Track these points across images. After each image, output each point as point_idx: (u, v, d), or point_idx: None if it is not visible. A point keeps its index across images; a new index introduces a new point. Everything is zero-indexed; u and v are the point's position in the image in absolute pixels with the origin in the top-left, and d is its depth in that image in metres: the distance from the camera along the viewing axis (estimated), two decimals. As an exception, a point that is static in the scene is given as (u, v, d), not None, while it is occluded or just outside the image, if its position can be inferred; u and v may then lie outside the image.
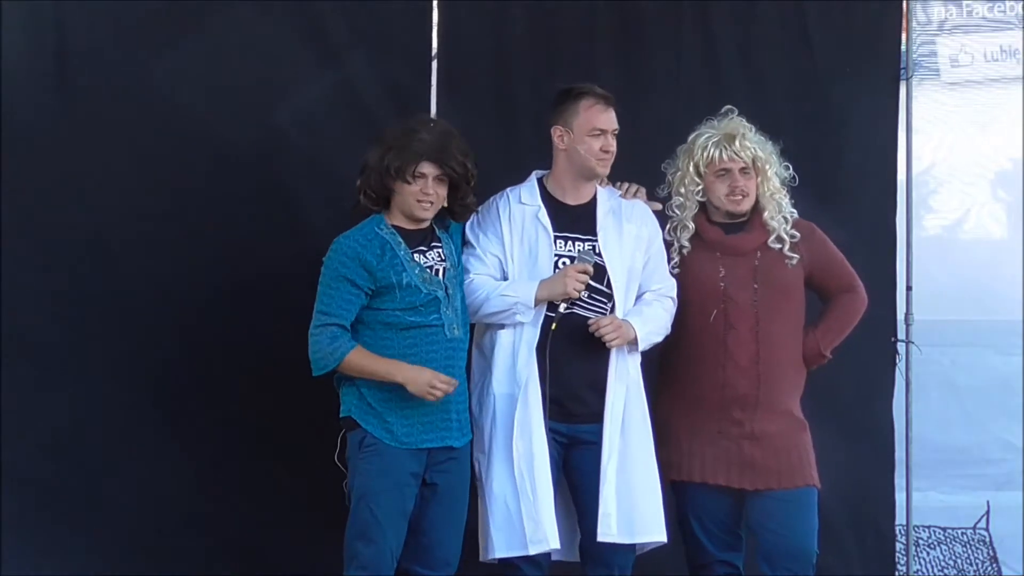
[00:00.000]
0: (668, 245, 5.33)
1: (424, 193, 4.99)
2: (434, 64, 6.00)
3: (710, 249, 5.33)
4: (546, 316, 5.09)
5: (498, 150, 5.65)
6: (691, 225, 5.33)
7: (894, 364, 6.13)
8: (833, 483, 5.58)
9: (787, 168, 5.37)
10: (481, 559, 5.17)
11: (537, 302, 5.07)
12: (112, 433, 5.68)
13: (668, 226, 5.35)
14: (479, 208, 5.21)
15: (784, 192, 5.35)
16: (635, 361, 5.21)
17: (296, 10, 5.83)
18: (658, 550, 5.24)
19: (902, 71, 6.22)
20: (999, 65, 7.71)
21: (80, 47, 5.68)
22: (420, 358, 4.97)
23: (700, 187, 5.32)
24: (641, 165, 5.48)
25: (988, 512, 7.06)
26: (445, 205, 5.08)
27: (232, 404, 5.74)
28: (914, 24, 6.39)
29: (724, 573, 5.33)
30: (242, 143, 5.76)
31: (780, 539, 5.24)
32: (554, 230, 5.16)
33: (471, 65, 6.03)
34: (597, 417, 5.11)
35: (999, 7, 7.79)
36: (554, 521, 5.06)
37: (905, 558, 6.30)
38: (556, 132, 5.19)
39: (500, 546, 5.08)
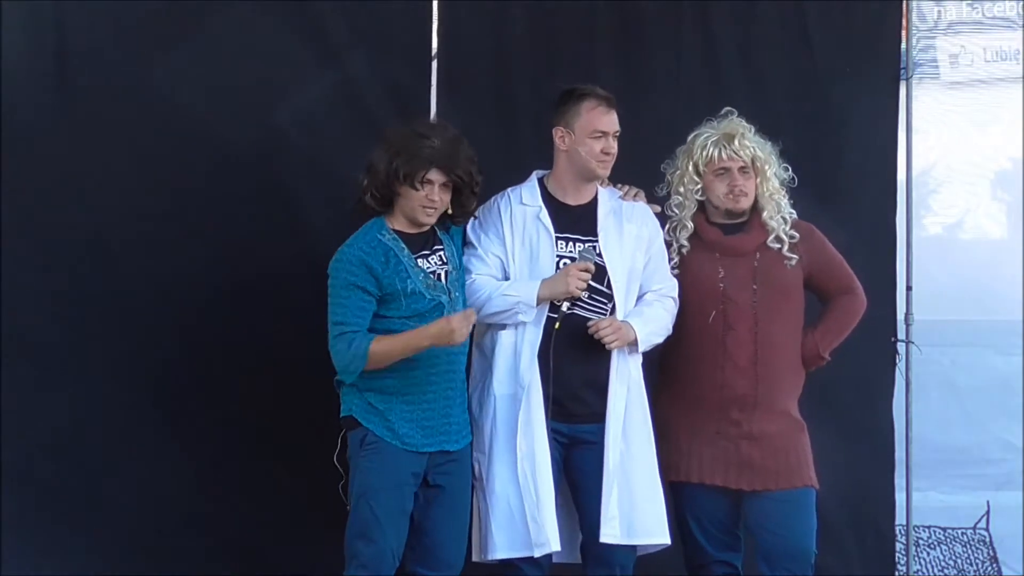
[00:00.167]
0: (667, 245, 5.33)
1: (430, 200, 4.98)
2: (434, 64, 6.00)
3: (709, 250, 5.33)
4: (548, 317, 5.10)
5: (498, 150, 5.65)
6: (690, 225, 5.33)
7: (894, 364, 6.13)
8: (833, 483, 5.59)
9: (786, 169, 5.37)
10: (475, 559, 5.16)
11: (539, 301, 5.07)
12: (112, 433, 5.68)
13: (667, 226, 5.36)
14: (480, 208, 5.21)
15: (783, 193, 5.35)
16: (636, 361, 5.21)
17: (296, 10, 5.82)
18: (658, 550, 5.24)
19: (902, 71, 6.22)
20: (999, 65, 7.71)
21: (80, 47, 5.68)
22: (422, 363, 4.97)
23: (699, 186, 5.32)
24: (641, 165, 5.48)
25: (988, 512, 7.06)
26: (448, 210, 5.08)
27: (232, 404, 5.74)
28: (914, 24, 6.39)
29: (723, 573, 5.33)
30: (242, 143, 5.76)
31: (778, 539, 5.25)
32: (555, 231, 5.16)
33: (471, 65, 6.03)
34: (598, 417, 5.11)
35: (999, 7, 7.79)
36: (555, 524, 5.06)
37: (905, 558, 6.30)
38: (557, 133, 5.19)
39: (502, 547, 5.08)
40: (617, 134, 5.16)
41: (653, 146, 5.58)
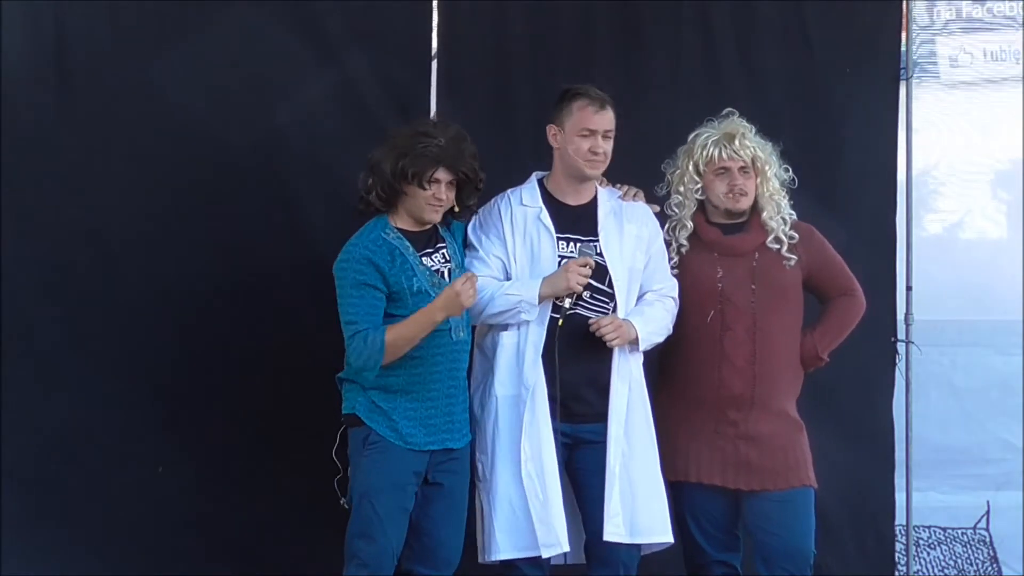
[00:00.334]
0: (666, 245, 5.34)
1: (436, 198, 4.99)
2: (434, 64, 6.00)
3: (708, 249, 5.33)
4: (551, 317, 5.09)
5: (498, 150, 5.65)
6: (689, 224, 5.34)
7: (894, 364, 6.13)
8: (833, 483, 5.60)
9: (787, 170, 5.37)
10: (480, 561, 5.16)
11: (541, 299, 5.07)
12: (112, 433, 5.68)
13: (667, 225, 5.36)
14: (480, 209, 5.21)
15: (783, 193, 5.35)
16: (637, 361, 5.21)
17: (296, 10, 5.83)
18: (660, 550, 5.25)
19: (902, 71, 6.22)
20: (999, 65, 7.70)
21: (80, 47, 5.68)
22: (426, 361, 4.98)
23: (699, 185, 5.32)
24: (641, 165, 5.48)
25: (988, 512, 7.05)
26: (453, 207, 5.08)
27: (232, 404, 5.74)
28: (914, 24, 6.39)
29: (722, 573, 5.34)
30: (242, 143, 5.77)
31: (777, 539, 5.25)
32: (556, 231, 5.16)
33: (471, 65, 6.04)
34: (600, 417, 5.12)
35: (999, 7, 7.78)
36: (564, 524, 5.07)
37: (905, 558, 6.30)
38: (551, 131, 5.20)
39: (505, 547, 5.08)
40: (609, 133, 5.15)
41: (653, 146, 5.59)
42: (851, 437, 6.06)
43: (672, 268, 5.31)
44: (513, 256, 5.17)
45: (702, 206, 5.37)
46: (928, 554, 6.99)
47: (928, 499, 6.79)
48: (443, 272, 5.05)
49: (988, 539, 7.05)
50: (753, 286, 5.29)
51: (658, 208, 5.37)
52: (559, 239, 5.16)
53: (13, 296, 5.61)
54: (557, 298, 5.08)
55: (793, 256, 5.31)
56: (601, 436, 5.11)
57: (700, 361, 5.28)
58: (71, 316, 5.68)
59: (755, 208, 5.34)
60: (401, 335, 4.91)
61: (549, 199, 5.22)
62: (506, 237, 5.18)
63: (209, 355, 5.74)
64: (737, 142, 5.28)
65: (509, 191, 5.26)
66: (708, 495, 5.28)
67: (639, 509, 5.12)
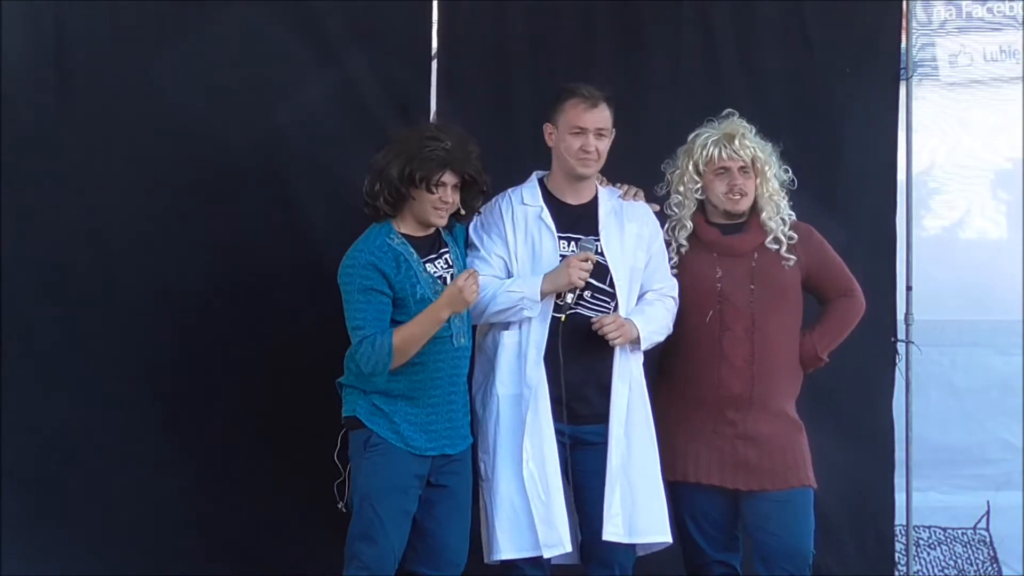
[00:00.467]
0: (666, 245, 5.34)
1: (443, 201, 4.98)
2: (434, 64, 6.00)
3: (707, 250, 5.33)
4: (553, 314, 5.09)
5: (498, 150, 5.64)
6: (689, 224, 5.34)
7: (894, 364, 6.13)
8: (833, 483, 5.60)
9: (786, 171, 5.37)
10: (486, 561, 5.16)
11: (543, 295, 5.07)
12: (112, 433, 5.69)
13: (666, 225, 5.36)
14: (481, 209, 5.21)
15: (783, 194, 5.35)
16: (638, 361, 5.21)
17: (296, 10, 5.82)
18: (658, 550, 5.25)
19: (902, 71, 6.22)
20: (999, 65, 7.69)
21: (80, 47, 5.68)
22: (427, 367, 4.98)
23: (699, 185, 5.32)
24: (641, 165, 5.49)
25: (988, 512, 7.05)
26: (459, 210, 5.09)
27: (232, 404, 5.74)
28: (914, 24, 6.39)
29: (721, 573, 5.34)
30: (242, 143, 5.76)
31: (775, 540, 5.25)
32: (557, 231, 5.16)
33: (471, 65, 6.04)
34: (600, 418, 5.12)
35: (999, 7, 7.77)
36: (567, 524, 5.07)
37: (905, 558, 6.30)
38: (547, 130, 5.21)
39: (506, 548, 5.08)
40: (602, 131, 5.14)
41: (653, 146, 5.59)
42: (851, 437, 6.06)
43: (671, 268, 5.31)
44: (515, 255, 5.17)
45: (702, 206, 5.37)
46: (928, 554, 6.99)
47: (928, 499, 6.79)
48: (445, 278, 5.04)
49: (988, 539, 7.05)
50: (752, 286, 5.29)
51: (658, 207, 5.37)
52: (560, 238, 5.16)
53: (13, 296, 5.61)
54: (559, 295, 5.08)
55: (792, 256, 5.31)
56: (601, 437, 5.11)
57: (699, 361, 5.28)
58: (71, 316, 5.68)
59: (754, 208, 5.34)
60: (408, 337, 4.90)
61: (550, 198, 5.22)
62: (507, 236, 5.18)
63: (209, 355, 5.74)
64: (737, 142, 5.29)
65: (510, 190, 5.26)
66: (707, 495, 5.28)
67: (638, 509, 5.12)
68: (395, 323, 4.95)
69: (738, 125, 5.33)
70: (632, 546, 5.16)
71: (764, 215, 5.31)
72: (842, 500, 6.02)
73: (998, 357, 7.27)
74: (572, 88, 5.17)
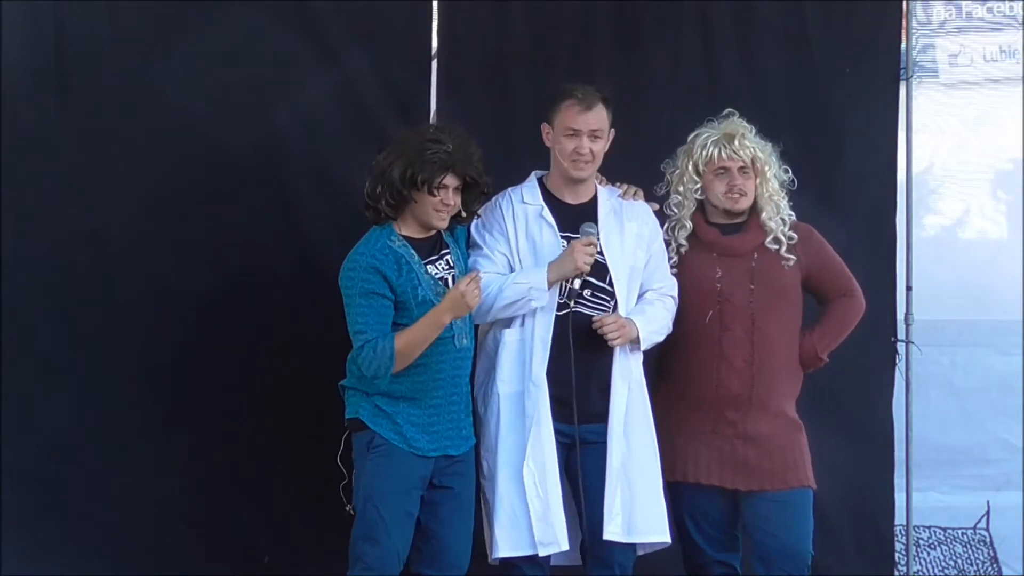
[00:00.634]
0: (666, 244, 5.34)
1: (444, 204, 4.98)
2: (434, 64, 6.00)
3: (707, 250, 5.33)
4: (557, 315, 5.08)
5: (498, 150, 5.64)
6: (689, 224, 5.34)
7: (894, 364, 6.13)
8: (833, 483, 5.60)
9: (786, 171, 5.37)
10: (490, 561, 5.16)
11: (550, 284, 5.06)
12: (112, 433, 5.68)
13: (666, 225, 5.36)
14: (482, 208, 5.20)
15: (783, 194, 5.35)
16: (637, 360, 5.21)
17: (296, 10, 5.82)
18: (658, 550, 5.25)
19: (902, 71, 6.22)
20: (999, 65, 7.70)
21: (80, 47, 5.68)
22: (430, 368, 4.97)
23: (698, 185, 5.32)
24: (641, 165, 5.49)
25: (988, 512, 7.05)
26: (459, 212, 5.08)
27: (232, 404, 5.74)
28: (914, 24, 6.38)
29: (721, 573, 5.34)
30: (242, 143, 5.76)
31: (774, 540, 5.25)
32: (558, 229, 5.16)
33: (471, 65, 6.04)
34: (600, 417, 5.11)
35: (998, 7, 7.78)
36: (564, 522, 5.07)
37: (905, 558, 6.30)
38: (544, 131, 5.22)
39: (504, 546, 5.08)
40: (597, 133, 5.13)
41: (653, 146, 5.59)
42: (851, 437, 6.06)
43: (671, 268, 5.31)
44: (517, 252, 5.16)
45: (701, 206, 5.37)
46: (928, 554, 6.99)
47: (928, 499, 6.79)
48: (447, 280, 5.04)
49: (988, 539, 7.06)
50: (752, 286, 5.29)
51: (657, 207, 5.37)
52: (561, 237, 5.16)
53: (13, 296, 5.61)
54: (563, 283, 5.07)
55: (792, 256, 5.31)
56: (600, 436, 5.11)
57: (699, 361, 5.28)
58: (71, 316, 5.68)
59: (754, 208, 5.34)
60: (410, 341, 4.90)
61: (549, 198, 5.23)
62: (509, 233, 5.18)
63: (209, 355, 5.74)
64: (737, 142, 5.28)
65: (510, 189, 5.26)
66: (707, 495, 5.28)
67: (638, 509, 5.12)
68: (396, 326, 4.95)
69: (738, 125, 5.33)
70: (633, 546, 5.16)
71: (764, 215, 5.31)
72: (842, 500, 6.02)
73: (998, 357, 7.28)
74: (567, 89, 5.17)
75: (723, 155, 5.29)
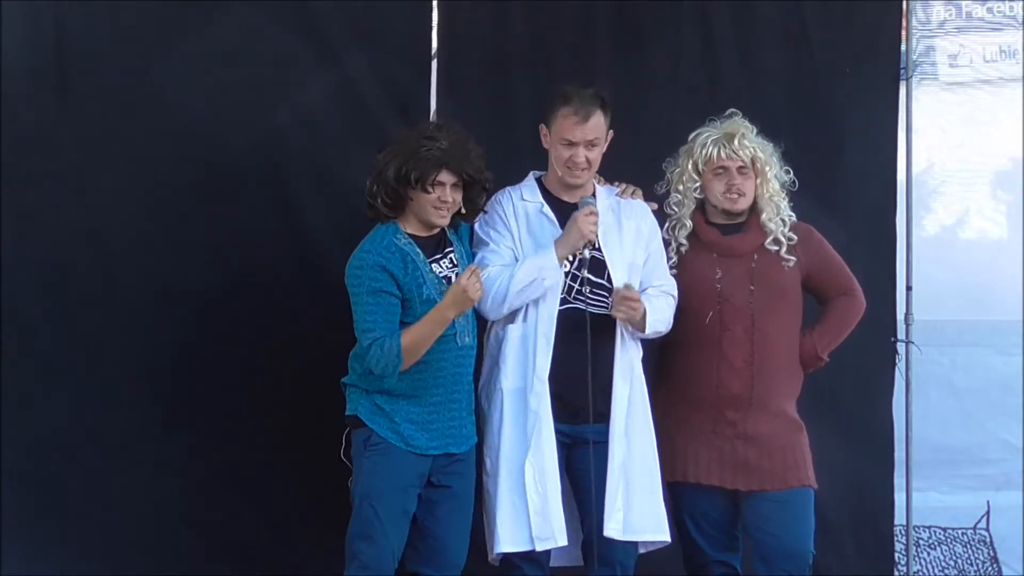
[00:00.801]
0: (666, 244, 5.34)
1: (442, 201, 4.97)
2: (434, 64, 6.00)
3: (707, 250, 5.33)
4: (562, 298, 5.07)
5: (498, 150, 5.63)
6: (688, 223, 5.34)
7: (894, 364, 6.13)
8: (832, 483, 5.59)
9: (788, 172, 5.37)
10: (490, 559, 5.16)
11: (560, 260, 5.06)
12: (112, 433, 5.68)
13: (666, 224, 5.36)
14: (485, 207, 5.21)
15: (783, 195, 5.34)
16: (638, 358, 5.22)
17: (296, 10, 5.82)
18: (658, 550, 5.25)
19: (902, 71, 6.22)
20: (998, 65, 7.70)
21: (80, 47, 5.68)
22: (431, 366, 4.97)
23: (698, 184, 5.32)
24: (641, 165, 5.49)
25: (988, 512, 7.06)
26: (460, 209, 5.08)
27: (232, 404, 5.73)
28: (914, 24, 6.39)
29: (721, 574, 5.33)
30: (242, 143, 5.76)
31: (775, 540, 5.24)
32: (559, 226, 5.16)
33: (471, 65, 6.04)
34: (600, 417, 5.11)
35: (998, 7, 7.78)
36: (562, 518, 5.07)
37: (905, 558, 6.30)
38: (542, 131, 5.22)
39: (505, 541, 5.08)
40: (595, 142, 5.13)
41: (653, 146, 5.59)
42: (851, 437, 6.06)
43: (671, 268, 5.31)
44: (520, 246, 5.16)
45: (702, 206, 5.37)
46: (928, 554, 6.99)
47: (928, 499, 6.79)
48: (450, 278, 5.03)
49: (988, 539, 7.06)
50: (752, 287, 5.29)
51: (656, 206, 5.37)
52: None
53: (13, 296, 5.61)
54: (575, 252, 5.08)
55: (792, 257, 5.31)
56: (601, 436, 5.11)
57: (698, 361, 5.27)
58: (71, 316, 5.68)
59: (754, 209, 5.34)
60: (416, 338, 4.90)
61: (548, 196, 5.23)
62: (512, 228, 5.18)
63: (209, 354, 5.73)
64: (736, 142, 5.28)
65: (508, 188, 5.26)
66: (707, 495, 5.28)
67: (637, 508, 5.12)
68: (401, 324, 4.95)
69: (739, 125, 5.32)
70: (634, 545, 5.16)
71: (764, 216, 5.31)
72: (842, 500, 6.02)
73: (998, 357, 7.28)
74: (565, 94, 5.15)
75: (722, 155, 5.28)
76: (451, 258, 5.08)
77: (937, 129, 7.41)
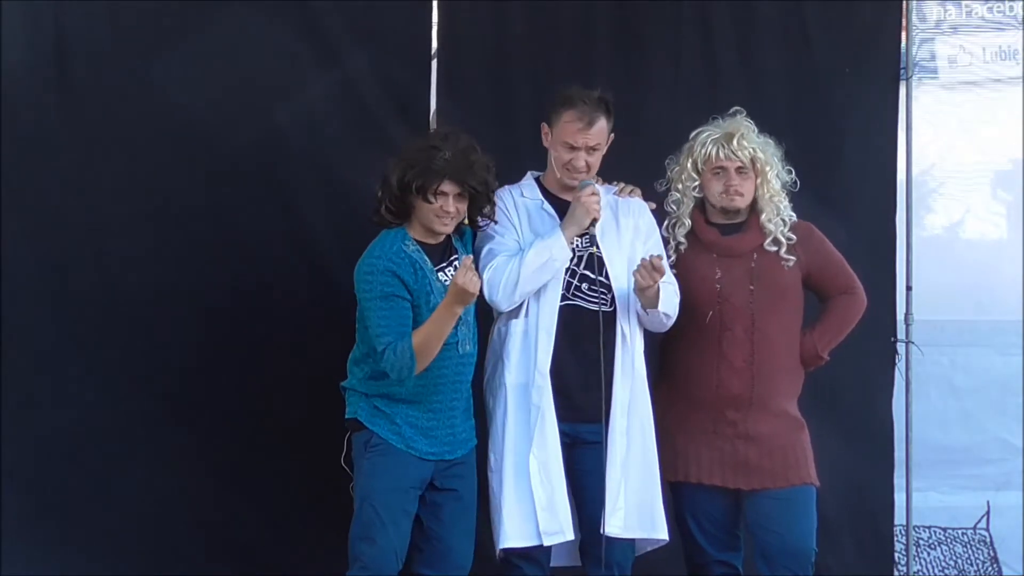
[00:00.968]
0: (665, 242, 5.34)
1: (444, 211, 4.97)
2: (434, 64, 6.00)
3: (707, 250, 5.33)
4: (572, 270, 5.09)
5: (498, 150, 5.61)
6: (687, 221, 5.34)
7: (894, 364, 6.14)
8: (832, 483, 5.59)
9: (789, 172, 5.36)
10: (497, 556, 5.16)
11: (568, 240, 5.07)
12: (112, 433, 5.68)
13: (666, 223, 5.36)
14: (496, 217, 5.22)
15: (784, 195, 5.34)
16: (641, 356, 5.22)
17: (296, 10, 5.82)
18: (658, 550, 5.25)
19: (902, 71, 6.22)
20: (999, 65, 7.69)
21: (80, 47, 5.68)
22: (431, 372, 4.97)
23: (697, 183, 5.32)
24: (641, 165, 5.49)
25: (988, 512, 7.05)
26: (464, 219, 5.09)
27: (232, 404, 5.73)
28: (914, 24, 6.39)
29: (722, 573, 5.34)
30: (242, 143, 5.76)
31: (777, 538, 5.24)
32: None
33: (471, 65, 6.04)
34: (600, 416, 5.11)
35: (999, 7, 7.77)
36: (569, 512, 5.08)
37: (905, 558, 6.30)
38: (543, 130, 5.22)
39: (510, 536, 5.08)
40: (597, 147, 5.14)
41: (653, 146, 5.59)
42: (851, 437, 6.06)
43: (671, 267, 5.30)
44: (523, 239, 5.16)
45: (702, 205, 5.37)
46: (928, 554, 6.99)
47: (928, 499, 6.79)
48: None
49: (988, 539, 7.06)
50: (751, 287, 5.29)
51: (654, 205, 5.37)
52: None
53: (13, 296, 5.61)
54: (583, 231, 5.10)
55: (792, 257, 5.31)
56: (601, 436, 5.10)
57: (699, 361, 5.27)
58: (71, 316, 5.68)
59: (754, 209, 5.34)
60: (425, 338, 4.89)
61: (547, 195, 5.24)
62: (514, 222, 5.19)
63: (209, 355, 5.73)
64: (735, 142, 5.27)
65: (507, 186, 5.26)
66: (708, 495, 5.28)
67: (637, 506, 5.12)
68: None
69: (740, 124, 5.32)
70: (632, 545, 5.16)
71: (764, 217, 5.31)
72: (842, 500, 6.02)
73: (998, 357, 7.27)
74: (571, 96, 5.15)
75: (720, 155, 5.28)
76: (456, 265, 5.07)
77: (937, 129, 7.40)
